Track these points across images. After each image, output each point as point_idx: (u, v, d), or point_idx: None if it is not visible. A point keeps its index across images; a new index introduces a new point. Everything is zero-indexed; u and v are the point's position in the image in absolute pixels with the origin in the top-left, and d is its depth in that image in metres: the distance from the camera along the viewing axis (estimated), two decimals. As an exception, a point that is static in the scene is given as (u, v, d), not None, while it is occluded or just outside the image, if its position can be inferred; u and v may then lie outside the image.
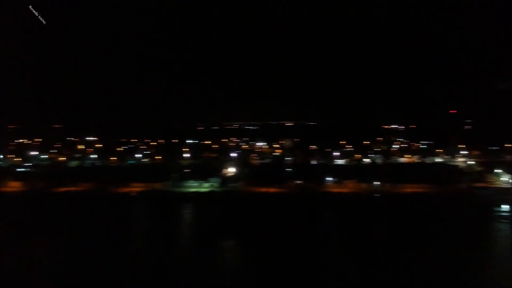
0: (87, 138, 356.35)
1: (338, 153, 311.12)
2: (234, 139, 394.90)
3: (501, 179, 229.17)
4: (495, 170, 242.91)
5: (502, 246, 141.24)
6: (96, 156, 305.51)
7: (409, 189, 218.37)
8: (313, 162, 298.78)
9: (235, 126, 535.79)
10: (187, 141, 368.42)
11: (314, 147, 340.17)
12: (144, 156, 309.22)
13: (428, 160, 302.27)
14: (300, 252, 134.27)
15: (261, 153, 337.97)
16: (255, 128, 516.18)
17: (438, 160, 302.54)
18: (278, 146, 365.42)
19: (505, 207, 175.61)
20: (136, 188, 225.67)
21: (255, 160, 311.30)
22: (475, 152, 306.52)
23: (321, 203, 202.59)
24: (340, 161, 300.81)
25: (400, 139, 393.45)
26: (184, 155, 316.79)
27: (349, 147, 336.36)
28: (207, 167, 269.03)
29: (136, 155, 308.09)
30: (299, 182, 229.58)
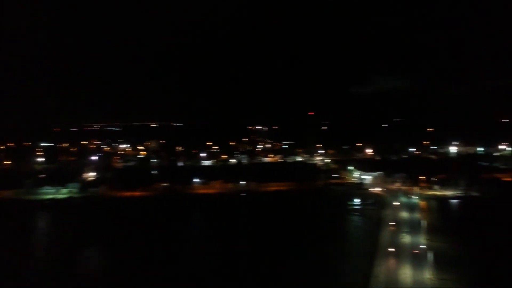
0: None
1: (205, 154, 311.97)
2: (95, 141, 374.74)
3: (353, 175, 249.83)
4: (348, 167, 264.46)
5: (355, 237, 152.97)
6: None
7: (273, 187, 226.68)
8: (180, 163, 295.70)
9: (96, 127, 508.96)
10: (41, 144, 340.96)
11: (180, 148, 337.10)
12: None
13: (289, 159, 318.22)
14: (155, 255, 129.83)
15: (125, 155, 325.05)
16: (117, 129, 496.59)
17: (298, 159, 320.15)
18: (142, 148, 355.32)
19: (357, 201, 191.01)
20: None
21: (118, 163, 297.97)
22: (331, 151, 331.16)
23: (188, 204, 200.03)
24: (207, 162, 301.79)
25: (264, 140, 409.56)
26: (38, 159, 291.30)
27: (215, 148, 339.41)
28: (64, 172, 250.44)
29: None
30: (165, 184, 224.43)
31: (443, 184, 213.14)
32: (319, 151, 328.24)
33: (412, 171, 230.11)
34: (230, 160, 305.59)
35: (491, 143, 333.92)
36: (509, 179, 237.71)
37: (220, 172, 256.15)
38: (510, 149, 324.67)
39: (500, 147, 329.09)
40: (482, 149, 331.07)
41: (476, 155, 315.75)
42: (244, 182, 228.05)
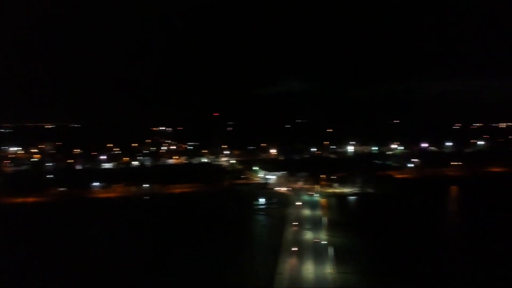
0: None
1: (105, 157, 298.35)
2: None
3: (258, 175, 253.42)
4: (253, 168, 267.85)
5: (260, 235, 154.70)
6: None
7: (178, 189, 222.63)
8: (78, 166, 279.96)
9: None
10: None
11: (78, 150, 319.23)
12: None
13: (194, 160, 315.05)
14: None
15: (16, 159, 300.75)
16: (7, 131, 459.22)
17: (203, 160, 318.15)
18: (36, 151, 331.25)
19: (262, 201, 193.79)
20: None
21: (9, 168, 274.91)
22: (236, 152, 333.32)
23: (86, 209, 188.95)
24: (107, 165, 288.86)
25: (169, 141, 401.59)
26: None
27: (116, 150, 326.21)
28: None
29: None
30: (62, 189, 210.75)
31: (342, 182, 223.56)
32: (224, 152, 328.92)
33: (313, 170, 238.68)
34: (133, 163, 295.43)
35: (384, 143, 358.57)
36: (400, 176, 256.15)
37: (121, 175, 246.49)
38: (401, 148, 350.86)
39: (392, 146, 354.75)
40: (376, 148, 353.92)
41: (371, 154, 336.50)
42: (148, 185, 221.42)
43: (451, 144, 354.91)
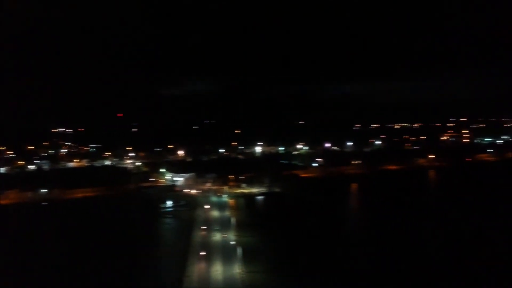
0: None
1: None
2: None
3: (165, 177, 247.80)
4: (160, 170, 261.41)
5: (167, 239, 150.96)
6: None
7: (79, 194, 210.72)
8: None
9: None
10: None
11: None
12: None
13: (97, 163, 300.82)
14: None
15: None
16: None
17: (107, 162, 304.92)
18: None
19: (169, 203, 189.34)
20: None
21: None
22: (142, 154, 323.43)
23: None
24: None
25: (69, 143, 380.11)
26: None
27: (10, 153, 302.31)
28: None
29: None
30: None
31: (250, 182, 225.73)
32: (129, 154, 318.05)
33: (221, 171, 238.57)
34: (29, 166, 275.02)
35: (291, 143, 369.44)
36: (305, 175, 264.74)
37: (16, 180, 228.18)
38: (306, 148, 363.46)
39: (298, 146, 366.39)
40: (283, 148, 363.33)
41: (278, 154, 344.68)
42: (46, 190, 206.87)
43: (351, 144, 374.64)
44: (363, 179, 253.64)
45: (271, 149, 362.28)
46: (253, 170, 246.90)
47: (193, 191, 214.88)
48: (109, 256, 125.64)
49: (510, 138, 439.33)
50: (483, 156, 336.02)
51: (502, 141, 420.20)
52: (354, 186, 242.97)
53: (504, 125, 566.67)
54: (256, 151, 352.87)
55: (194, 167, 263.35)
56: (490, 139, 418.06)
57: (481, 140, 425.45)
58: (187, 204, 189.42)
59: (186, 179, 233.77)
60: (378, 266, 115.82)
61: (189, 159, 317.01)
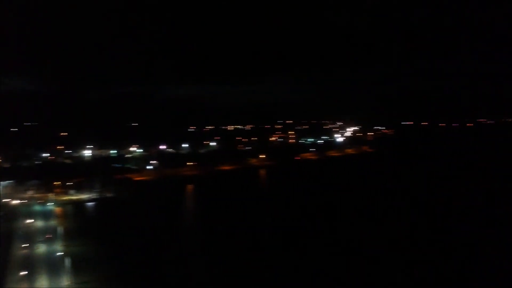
0: None
1: None
2: None
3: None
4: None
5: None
6: None
7: None
8: None
9: None
10: None
11: None
12: None
13: None
14: None
15: None
16: None
17: None
18: None
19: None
20: None
21: None
22: None
23: None
24: None
25: None
26: None
27: None
28: None
29: None
30: None
31: (79, 188, 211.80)
32: None
33: (46, 177, 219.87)
34: None
35: (123, 146, 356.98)
36: (139, 178, 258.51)
37: None
38: (140, 150, 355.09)
39: (131, 149, 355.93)
40: (115, 151, 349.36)
41: (110, 158, 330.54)
42: None
43: (187, 145, 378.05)
44: (199, 180, 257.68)
45: (102, 152, 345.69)
46: (82, 175, 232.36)
47: (13, 201, 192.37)
48: None
49: (329, 138, 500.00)
50: (307, 155, 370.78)
51: (322, 141, 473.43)
52: (189, 187, 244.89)
53: (324, 127, 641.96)
54: (86, 155, 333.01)
55: (14, 174, 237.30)
56: (313, 140, 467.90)
57: (305, 140, 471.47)
58: (7, 215, 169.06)
59: (4, 188, 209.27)
60: (213, 269, 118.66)
61: (6, 165, 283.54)
